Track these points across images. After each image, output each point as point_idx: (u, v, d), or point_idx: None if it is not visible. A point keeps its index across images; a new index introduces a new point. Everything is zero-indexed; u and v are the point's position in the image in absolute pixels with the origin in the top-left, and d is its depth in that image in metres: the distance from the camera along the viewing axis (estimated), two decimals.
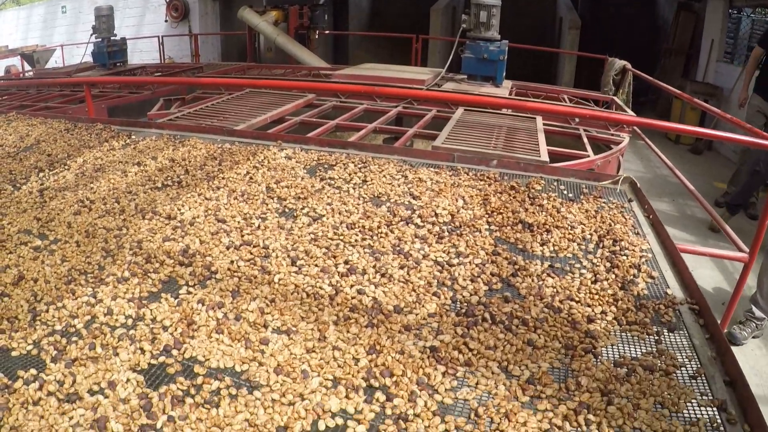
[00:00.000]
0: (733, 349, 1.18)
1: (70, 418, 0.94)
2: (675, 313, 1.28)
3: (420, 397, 0.98)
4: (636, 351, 1.16)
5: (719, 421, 0.96)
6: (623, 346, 1.17)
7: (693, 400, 1.00)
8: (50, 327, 1.17)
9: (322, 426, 0.93)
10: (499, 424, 0.93)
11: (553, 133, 3.45)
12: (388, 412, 0.96)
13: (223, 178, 1.94)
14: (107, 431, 0.91)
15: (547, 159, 3.07)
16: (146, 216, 1.66)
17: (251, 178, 1.95)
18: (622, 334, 1.21)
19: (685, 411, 0.98)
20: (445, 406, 0.98)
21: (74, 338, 1.14)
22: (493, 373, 1.05)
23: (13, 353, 1.11)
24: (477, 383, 1.03)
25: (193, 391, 0.99)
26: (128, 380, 1.02)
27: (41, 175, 2.10)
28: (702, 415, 0.97)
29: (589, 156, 3.29)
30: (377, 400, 0.98)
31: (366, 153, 2.20)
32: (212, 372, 1.04)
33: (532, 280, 1.38)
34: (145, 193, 1.85)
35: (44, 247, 1.52)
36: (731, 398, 1.02)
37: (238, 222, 1.63)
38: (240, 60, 7.96)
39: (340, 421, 0.94)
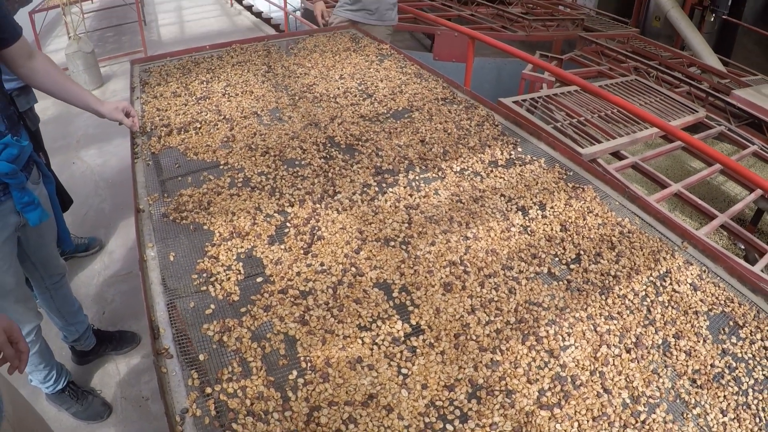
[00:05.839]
0: None
1: None
2: None
3: None
4: None
5: None
6: None
7: None
8: None
9: None
10: None
11: None
12: None
13: (618, 296, 1.64)
14: None
15: None
16: (526, 341, 1.47)
17: (648, 315, 1.60)
18: None
19: None
20: None
21: None
22: None
23: None
24: None
25: None
26: None
27: (411, 176, 2.04)
28: None
29: None
30: None
31: None
32: None
33: None
34: (528, 280, 1.66)
35: None
36: None
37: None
38: (617, 13, 7.57)
39: None
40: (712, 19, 6.91)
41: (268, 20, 9.18)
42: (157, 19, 9.04)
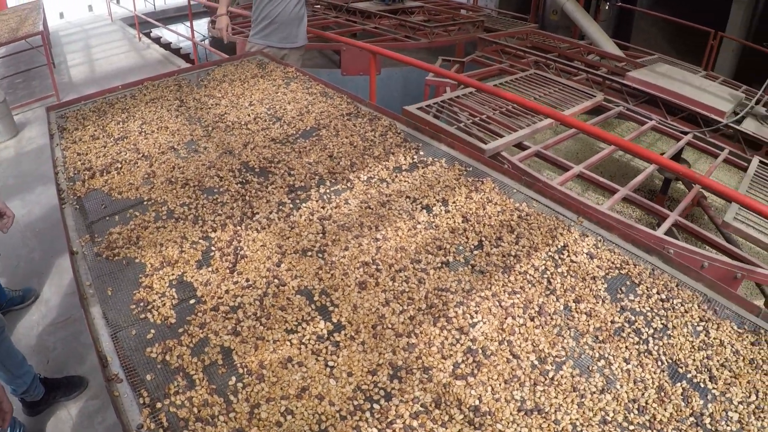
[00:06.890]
0: None
1: None
2: None
3: None
4: None
5: None
6: None
7: None
8: None
9: None
10: None
11: None
12: None
13: (519, 273, 1.86)
14: None
15: None
16: (437, 322, 1.66)
17: (549, 285, 1.84)
18: None
19: None
20: None
21: None
22: None
23: None
24: None
25: None
26: None
27: (322, 190, 2.23)
28: None
29: None
30: None
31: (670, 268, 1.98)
32: None
33: None
34: (435, 270, 1.86)
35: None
36: None
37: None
38: (518, 11, 8.06)
39: None
40: (607, 7, 7.41)
41: (177, 51, 9.21)
42: (66, 60, 8.92)
